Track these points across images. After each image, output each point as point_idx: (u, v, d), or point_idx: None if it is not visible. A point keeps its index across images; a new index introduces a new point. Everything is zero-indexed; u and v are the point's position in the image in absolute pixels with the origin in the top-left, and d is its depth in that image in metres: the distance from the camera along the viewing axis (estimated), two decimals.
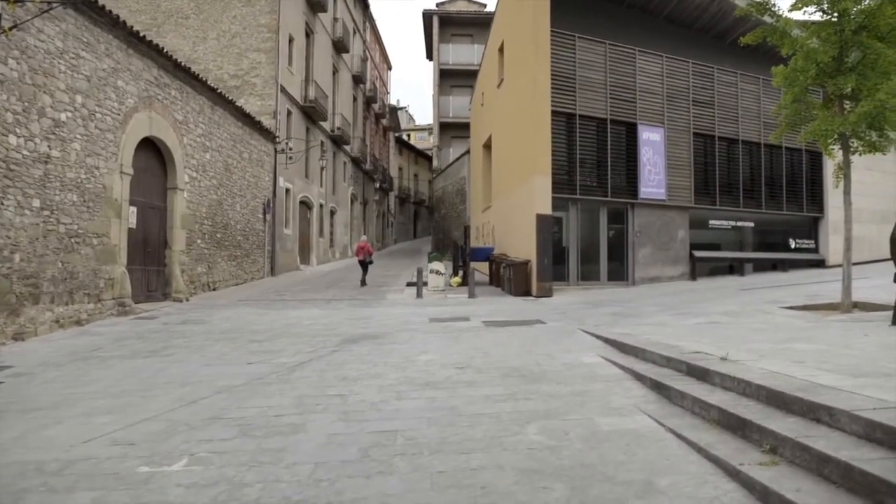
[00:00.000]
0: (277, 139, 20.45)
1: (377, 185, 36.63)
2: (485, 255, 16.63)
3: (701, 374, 4.94)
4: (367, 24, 36.81)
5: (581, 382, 5.60)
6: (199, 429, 4.66)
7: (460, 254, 17.66)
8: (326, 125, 26.91)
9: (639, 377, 5.51)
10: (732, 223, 18.41)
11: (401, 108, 71.97)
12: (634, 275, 16.17)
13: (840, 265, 19.53)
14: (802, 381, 4.08)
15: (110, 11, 11.04)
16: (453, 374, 6.16)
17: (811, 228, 20.21)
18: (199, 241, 15.13)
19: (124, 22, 11.51)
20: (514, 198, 15.79)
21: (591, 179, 15.91)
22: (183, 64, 14.05)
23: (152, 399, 5.46)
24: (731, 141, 18.27)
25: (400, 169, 52.31)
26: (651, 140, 16.50)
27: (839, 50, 8.85)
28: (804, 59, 8.99)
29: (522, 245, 14.70)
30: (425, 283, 15.16)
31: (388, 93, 45.22)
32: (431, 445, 4.07)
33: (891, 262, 7.47)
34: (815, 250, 20.00)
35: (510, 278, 14.12)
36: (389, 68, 46.31)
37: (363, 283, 17.66)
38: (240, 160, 17.72)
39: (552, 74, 14.83)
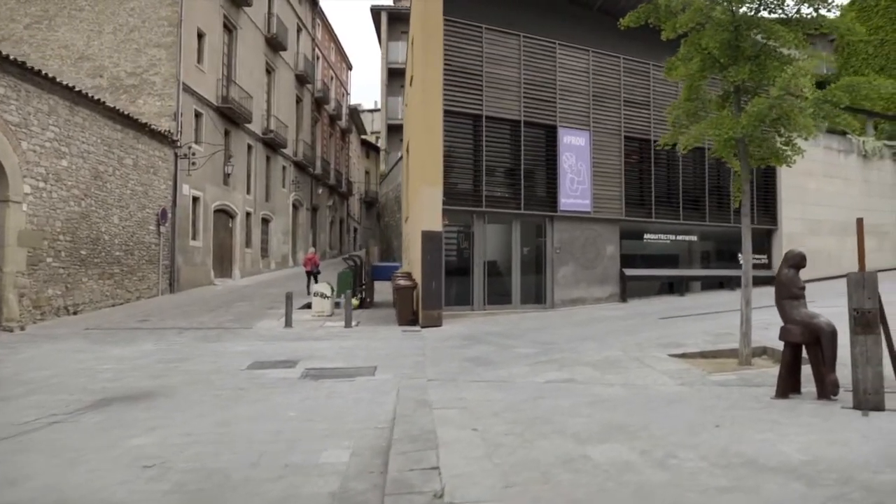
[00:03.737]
0: (178, 143, 18.52)
1: (320, 189, 34.53)
2: (387, 274, 14.73)
3: None
4: (318, 20, 34.91)
5: None
6: None
7: (361, 272, 15.75)
8: (256, 128, 24.97)
9: None
10: (672, 237, 16.56)
11: (377, 110, 70.12)
12: (553, 297, 14.30)
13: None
14: None
15: None
16: (103, 490, 4.28)
17: (764, 242, 18.41)
18: (49, 259, 13.20)
19: None
20: (413, 210, 13.94)
21: (502, 189, 14.04)
22: (14, 58, 12.13)
23: None
24: (671, 146, 16.38)
25: (367, 172, 50.42)
26: (574, 145, 14.65)
27: (733, 33, 7.01)
28: (688, 45, 7.16)
29: (417, 265, 12.83)
30: (308, 306, 13.33)
31: (346, 94, 43.30)
32: None
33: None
34: (769, 266, 18.18)
35: (397, 304, 12.25)
36: (349, 68, 44.39)
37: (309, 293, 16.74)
38: (119, 167, 15.78)
39: (451, 70, 13.00)
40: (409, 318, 12.02)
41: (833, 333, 5.32)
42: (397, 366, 8.20)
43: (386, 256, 30.25)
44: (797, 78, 6.23)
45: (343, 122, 40.62)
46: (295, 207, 30.90)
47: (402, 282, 12.21)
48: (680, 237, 16.75)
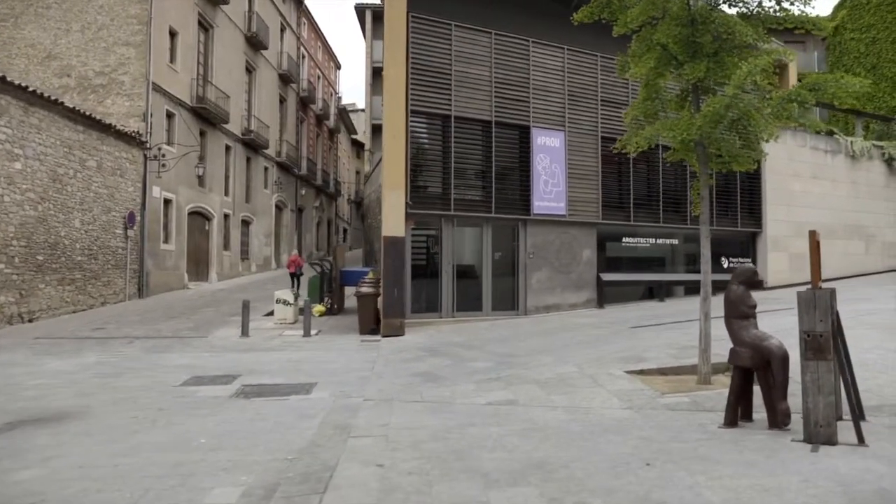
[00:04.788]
0: (146, 144, 18.02)
1: (304, 190, 33.96)
2: (356, 279, 14.21)
3: None
4: (304, 19, 34.39)
5: None
6: None
7: (328, 278, 15.25)
8: (234, 128, 24.46)
9: None
10: (652, 240, 16.07)
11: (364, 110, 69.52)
12: (526, 303, 13.81)
13: (781, 286, 17.29)
14: None
15: None
16: None
17: (748, 245, 17.93)
18: (1, 265, 12.72)
19: None
20: (382, 213, 13.45)
21: (473, 192, 13.56)
22: None
23: None
24: (651, 146, 15.89)
25: (357, 172, 49.93)
26: (548, 146, 14.16)
27: (690, 28, 6.53)
28: (640, 41, 6.68)
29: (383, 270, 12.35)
30: (270, 314, 12.86)
31: (335, 93, 42.78)
32: None
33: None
34: None
35: (358, 312, 11.77)
36: (338, 68, 43.86)
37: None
38: (81, 169, 15.29)
39: (419, 68, 12.54)
40: (370, 326, 11.55)
41: (784, 357, 4.84)
42: (339, 382, 7.73)
43: (369, 259, 29.70)
44: (753, 75, 5.76)
45: (331, 122, 40.11)
46: (278, 209, 30.41)
47: (365, 289, 11.75)
48: (661, 240, 16.26)
